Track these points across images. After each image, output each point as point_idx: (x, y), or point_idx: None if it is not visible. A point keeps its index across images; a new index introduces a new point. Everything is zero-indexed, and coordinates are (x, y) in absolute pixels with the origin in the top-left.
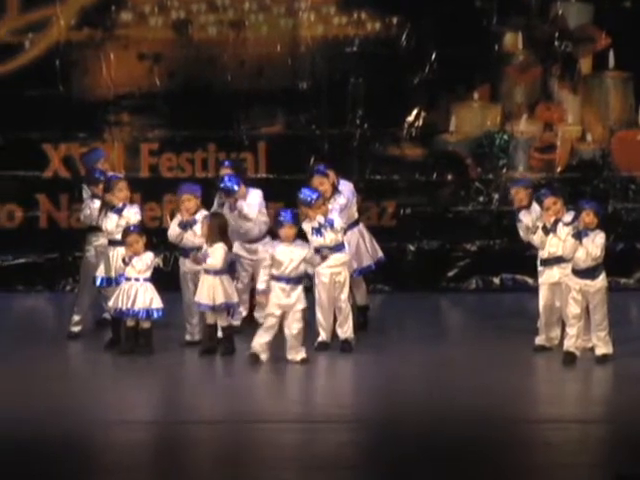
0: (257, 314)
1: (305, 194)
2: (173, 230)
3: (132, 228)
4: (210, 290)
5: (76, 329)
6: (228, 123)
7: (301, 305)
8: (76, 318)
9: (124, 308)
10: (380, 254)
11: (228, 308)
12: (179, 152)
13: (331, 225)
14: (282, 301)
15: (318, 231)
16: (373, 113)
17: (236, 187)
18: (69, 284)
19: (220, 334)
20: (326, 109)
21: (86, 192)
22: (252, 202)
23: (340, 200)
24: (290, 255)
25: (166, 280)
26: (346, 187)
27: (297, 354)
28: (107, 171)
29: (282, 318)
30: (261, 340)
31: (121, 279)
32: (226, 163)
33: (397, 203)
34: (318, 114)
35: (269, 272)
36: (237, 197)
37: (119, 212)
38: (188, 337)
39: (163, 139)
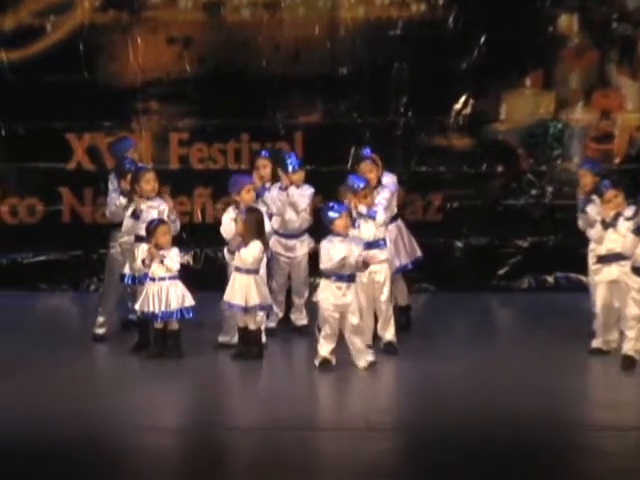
0: (293, 316)
1: (353, 180)
2: (229, 226)
3: (156, 221)
4: (242, 290)
5: (101, 331)
6: (262, 111)
7: (356, 304)
8: (101, 319)
9: (157, 311)
10: (418, 253)
11: (261, 310)
12: (210, 142)
13: (373, 218)
14: (339, 301)
15: (355, 222)
16: (418, 100)
17: (297, 167)
18: (93, 283)
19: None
20: (367, 96)
21: (112, 184)
22: (305, 193)
23: (384, 194)
24: (346, 250)
25: (196, 278)
26: (389, 179)
27: (364, 357)
28: (138, 161)
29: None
30: (328, 348)
31: (145, 279)
32: (263, 153)
33: (443, 196)
34: (359, 101)
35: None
36: (293, 180)
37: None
38: (223, 338)
39: (193, 128)
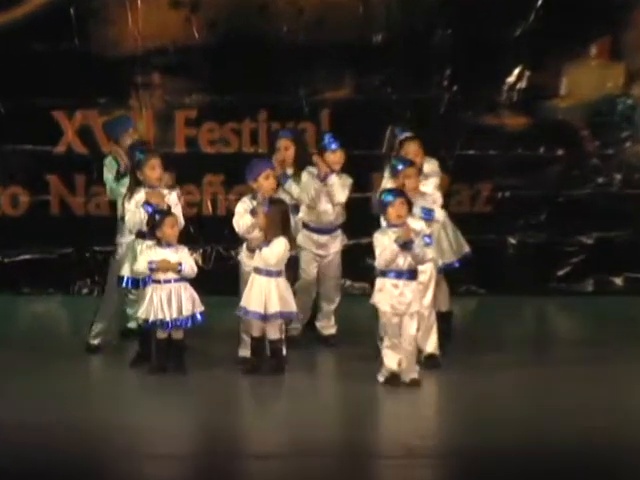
0: (319, 323)
1: (397, 161)
2: (243, 219)
3: (162, 212)
4: (262, 294)
5: (96, 341)
6: (283, 86)
7: (417, 305)
8: (97, 327)
9: (166, 317)
10: (466, 249)
11: (283, 318)
12: (222, 121)
13: (429, 218)
14: (395, 301)
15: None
16: (464, 73)
17: (337, 145)
18: (86, 286)
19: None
20: (405, 68)
21: (108, 171)
22: (346, 183)
23: (431, 186)
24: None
25: (206, 281)
26: (431, 166)
27: (409, 374)
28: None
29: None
30: (395, 359)
31: (148, 281)
32: (284, 132)
33: (494, 185)
34: (395, 74)
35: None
36: (331, 162)
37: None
38: (243, 352)
39: (202, 105)
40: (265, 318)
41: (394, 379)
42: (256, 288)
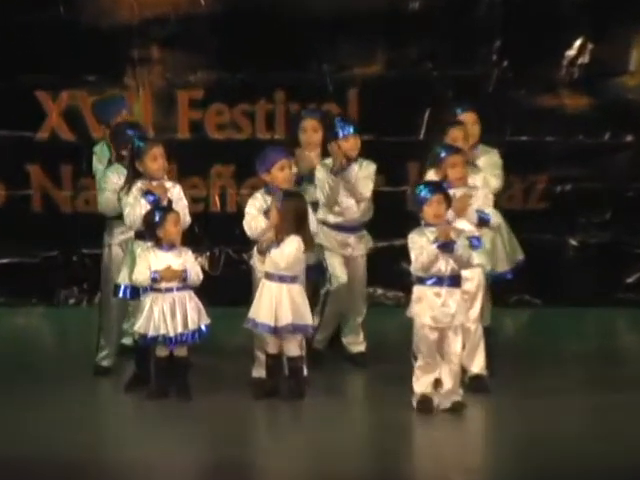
0: (346, 339)
1: (440, 148)
2: (256, 221)
3: (163, 208)
4: (272, 303)
5: (106, 362)
6: (304, 61)
7: (462, 318)
8: (105, 345)
9: (169, 333)
10: (520, 256)
11: (296, 332)
12: (233, 103)
13: (485, 222)
14: (437, 312)
15: None
16: (516, 46)
17: (349, 130)
18: (73, 295)
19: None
20: (447, 40)
21: (98, 160)
22: (369, 175)
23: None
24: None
25: (213, 289)
26: (492, 157)
27: (451, 396)
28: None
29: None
30: (427, 381)
31: (147, 289)
32: (310, 112)
33: (551, 176)
34: (435, 47)
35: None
36: (345, 149)
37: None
38: (257, 372)
39: (210, 84)
40: (276, 331)
41: (426, 404)
42: (266, 296)
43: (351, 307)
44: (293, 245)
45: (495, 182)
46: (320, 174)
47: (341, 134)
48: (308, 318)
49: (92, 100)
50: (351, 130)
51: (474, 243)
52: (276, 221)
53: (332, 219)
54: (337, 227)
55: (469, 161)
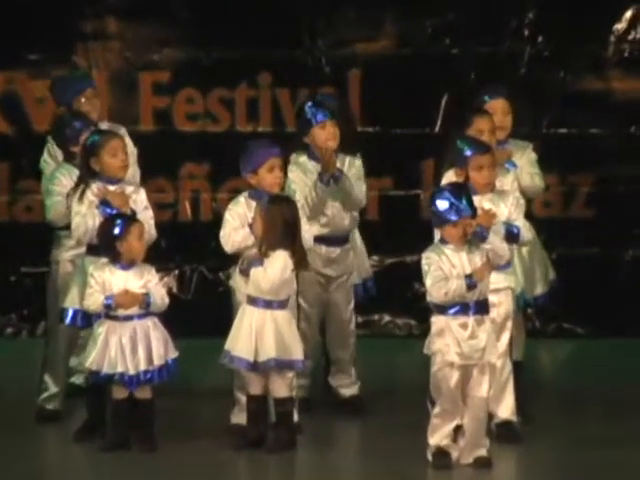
0: (334, 380)
1: (464, 144)
2: (237, 234)
3: (125, 218)
4: (251, 334)
5: (52, 405)
6: (295, 36)
7: (492, 354)
8: (51, 386)
9: (131, 371)
10: (552, 274)
11: (283, 368)
12: (208, 87)
13: (514, 238)
14: (466, 347)
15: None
16: (552, 19)
17: (322, 116)
18: (11, 324)
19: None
20: (468, 12)
21: (50, 154)
22: (359, 174)
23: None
24: (467, 264)
25: (184, 316)
26: (528, 154)
27: (474, 450)
28: (96, 118)
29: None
30: (444, 432)
31: (100, 317)
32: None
33: (597, 177)
34: (455, 20)
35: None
36: (317, 141)
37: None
38: (238, 418)
39: (179, 65)
40: (255, 368)
41: (442, 458)
42: (245, 325)
43: (335, 339)
44: (278, 263)
45: (539, 182)
46: (295, 175)
47: (315, 121)
48: (296, 352)
49: (36, 83)
50: (327, 115)
51: (482, 234)
52: (258, 231)
53: (315, 230)
54: (322, 239)
55: (498, 161)
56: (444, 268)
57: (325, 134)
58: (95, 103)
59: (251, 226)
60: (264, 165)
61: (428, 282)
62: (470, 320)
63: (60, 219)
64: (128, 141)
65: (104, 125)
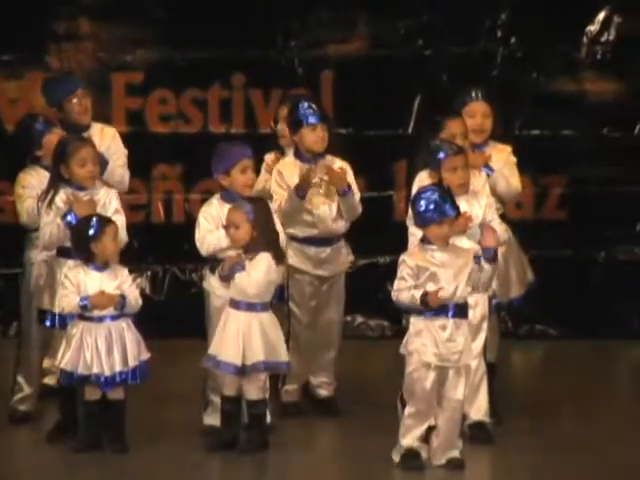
0: (314, 379)
1: (437, 146)
2: (212, 235)
3: (99, 219)
4: (238, 338)
5: (24, 406)
6: (268, 35)
7: (469, 356)
8: (23, 387)
9: (106, 372)
10: (530, 276)
11: (268, 370)
12: (181, 88)
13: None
14: (443, 349)
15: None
16: (525, 18)
17: (313, 119)
18: None
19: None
20: (443, 11)
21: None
22: (352, 178)
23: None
24: (452, 265)
25: (156, 317)
26: (502, 155)
27: (447, 451)
28: (88, 119)
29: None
30: (416, 433)
31: (73, 318)
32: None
33: (569, 179)
34: (429, 20)
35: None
36: (307, 143)
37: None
38: (212, 419)
39: (152, 65)
40: (243, 371)
41: (412, 459)
42: (232, 329)
43: (321, 339)
44: (262, 265)
45: (516, 186)
46: (277, 180)
47: (306, 123)
48: (282, 353)
49: (10, 84)
50: (319, 119)
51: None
52: (247, 237)
53: (299, 230)
54: (309, 240)
55: (475, 164)
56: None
57: (314, 137)
58: (86, 103)
59: (226, 228)
60: (236, 166)
61: (395, 284)
62: (449, 322)
63: (33, 222)
64: (118, 142)
65: (97, 127)
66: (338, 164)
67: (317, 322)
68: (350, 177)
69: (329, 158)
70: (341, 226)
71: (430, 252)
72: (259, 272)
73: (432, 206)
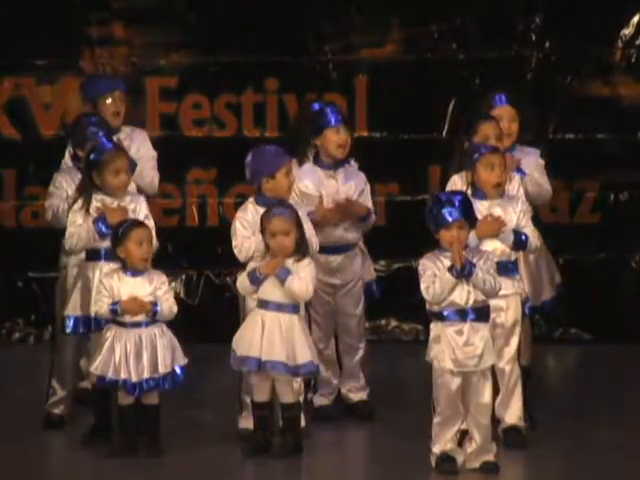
0: (343, 387)
1: (471, 147)
2: (249, 241)
3: (128, 223)
4: (259, 333)
5: (59, 410)
6: (302, 42)
7: (491, 359)
8: (58, 391)
9: (133, 379)
10: (558, 278)
11: (291, 374)
12: (215, 93)
13: (521, 245)
14: (460, 354)
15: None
16: (559, 21)
17: (338, 121)
18: (18, 329)
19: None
20: (475, 15)
21: (65, 163)
22: (362, 179)
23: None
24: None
25: (191, 321)
26: (531, 158)
27: (480, 455)
28: (119, 122)
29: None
30: (446, 437)
31: (106, 323)
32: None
33: (603, 183)
34: (462, 24)
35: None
36: (330, 148)
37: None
38: (246, 422)
39: (186, 70)
40: (262, 366)
41: (447, 463)
42: (254, 326)
43: (343, 345)
44: (310, 266)
45: (547, 189)
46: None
47: (329, 125)
48: (307, 357)
49: (41, 89)
50: (341, 121)
51: (509, 268)
52: (294, 243)
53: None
54: (323, 248)
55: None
56: (438, 272)
57: (338, 139)
58: (120, 106)
59: (262, 233)
60: (282, 169)
61: (422, 287)
62: (466, 326)
63: (57, 221)
64: (148, 145)
65: (127, 129)
66: (355, 169)
67: (338, 329)
68: (367, 195)
69: (353, 163)
70: (354, 235)
71: (441, 260)
72: (309, 273)
73: (441, 210)
